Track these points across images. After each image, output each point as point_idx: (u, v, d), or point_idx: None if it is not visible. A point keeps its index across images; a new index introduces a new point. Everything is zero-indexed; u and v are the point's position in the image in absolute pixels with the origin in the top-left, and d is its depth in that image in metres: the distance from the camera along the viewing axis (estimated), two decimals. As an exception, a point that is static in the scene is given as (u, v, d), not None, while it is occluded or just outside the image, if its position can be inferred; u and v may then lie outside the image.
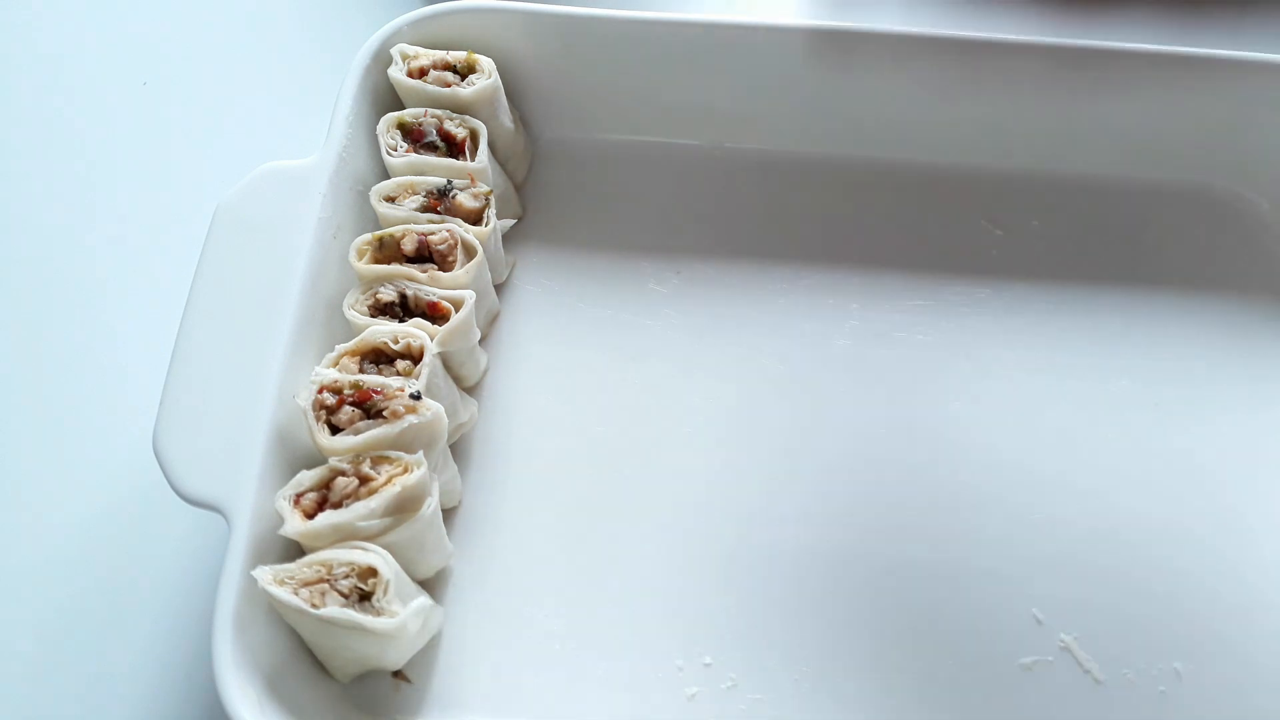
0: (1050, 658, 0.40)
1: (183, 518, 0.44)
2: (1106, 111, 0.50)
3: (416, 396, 0.38)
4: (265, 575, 0.35)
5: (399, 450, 0.37)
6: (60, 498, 0.45)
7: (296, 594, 0.34)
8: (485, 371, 0.46)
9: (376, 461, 0.37)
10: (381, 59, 0.47)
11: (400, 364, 0.39)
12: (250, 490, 0.36)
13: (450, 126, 0.45)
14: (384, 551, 0.36)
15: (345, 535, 0.36)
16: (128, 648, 0.42)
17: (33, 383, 0.49)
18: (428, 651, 0.40)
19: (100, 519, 0.45)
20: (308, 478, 0.37)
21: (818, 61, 0.49)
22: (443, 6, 0.48)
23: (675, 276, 0.49)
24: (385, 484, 0.36)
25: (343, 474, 0.37)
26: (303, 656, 0.38)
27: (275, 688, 0.35)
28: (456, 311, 0.41)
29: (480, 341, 0.45)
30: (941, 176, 0.52)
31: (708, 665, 0.40)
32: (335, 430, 0.38)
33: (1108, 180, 0.52)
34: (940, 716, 0.39)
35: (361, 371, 0.39)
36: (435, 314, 0.41)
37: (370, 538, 0.36)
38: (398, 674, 0.39)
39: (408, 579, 0.37)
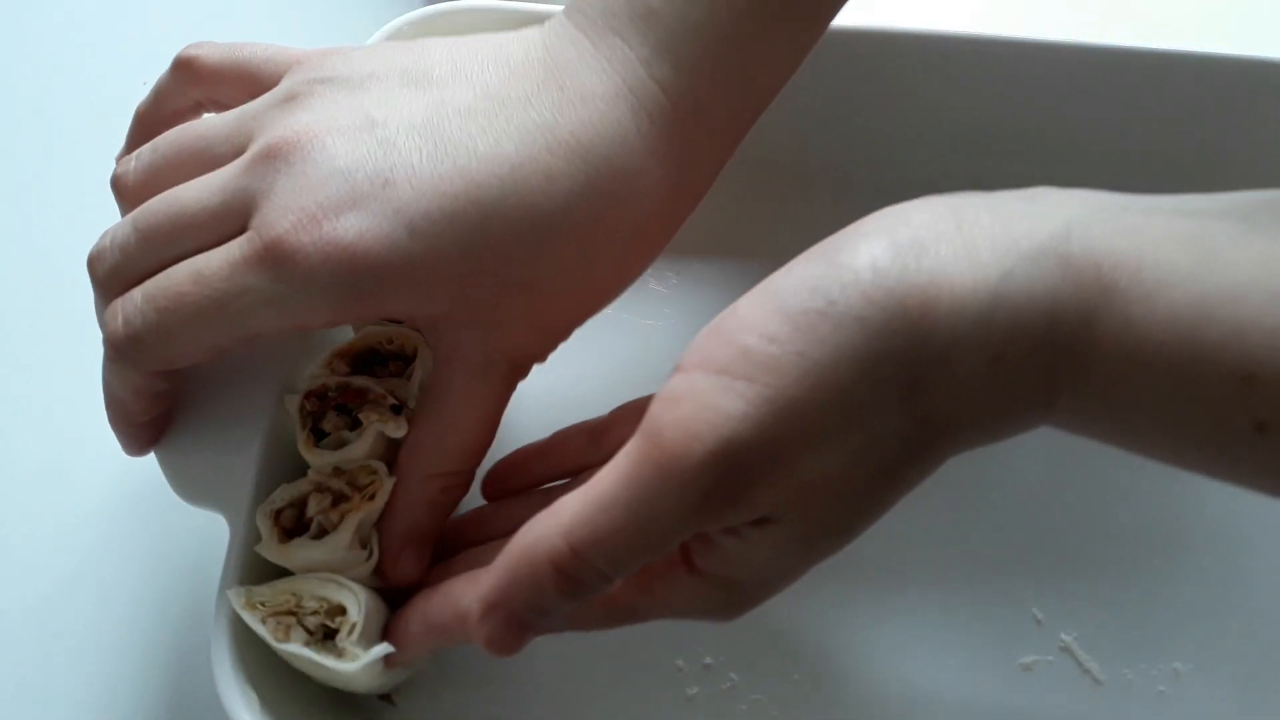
0: (1050, 658, 0.40)
1: (183, 518, 0.43)
2: (1104, 114, 0.50)
3: (397, 410, 0.37)
4: (239, 598, 0.34)
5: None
6: (59, 498, 0.46)
7: (264, 622, 0.34)
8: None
9: (354, 474, 0.36)
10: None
11: (393, 364, 0.39)
12: (250, 491, 0.36)
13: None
14: (358, 589, 0.35)
15: (321, 568, 0.35)
16: (127, 648, 0.42)
17: (32, 383, 0.49)
18: (415, 690, 0.39)
19: (100, 519, 0.45)
20: (283, 495, 0.36)
21: (820, 62, 0.49)
22: (443, 6, 0.48)
23: (675, 277, 0.49)
24: (354, 510, 0.35)
25: (317, 489, 0.36)
26: (303, 657, 0.38)
27: (275, 688, 0.35)
28: None
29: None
30: (943, 182, 0.51)
31: (708, 665, 0.40)
32: (322, 434, 0.37)
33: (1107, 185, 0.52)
34: (940, 716, 0.39)
35: (353, 372, 0.38)
36: None
37: (347, 570, 0.35)
38: (384, 696, 0.39)
39: (382, 618, 0.36)
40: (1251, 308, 0.24)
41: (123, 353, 0.34)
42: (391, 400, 0.37)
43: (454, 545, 0.38)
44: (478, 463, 0.38)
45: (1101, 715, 0.39)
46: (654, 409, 0.29)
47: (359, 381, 0.37)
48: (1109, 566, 0.42)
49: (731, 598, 0.32)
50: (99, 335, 0.50)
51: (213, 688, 0.33)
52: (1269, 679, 0.40)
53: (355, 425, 0.37)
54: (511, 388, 0.37)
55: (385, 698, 0.39)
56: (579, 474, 0.37)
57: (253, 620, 0.34)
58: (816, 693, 0.40)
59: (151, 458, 0.37)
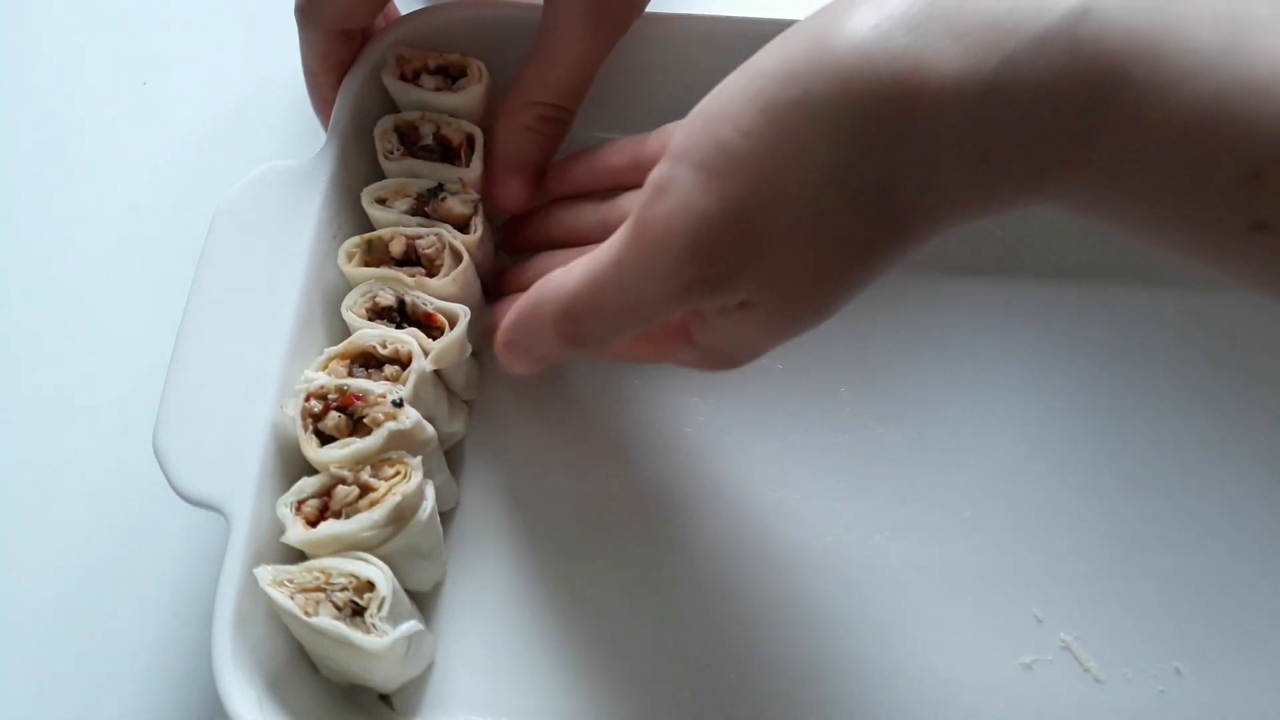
0: (1050, 657, 0.40)
1: (183, 518, 0.44)
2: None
3: (398, 404, 0.37)
4: (265, 575, 0.35)
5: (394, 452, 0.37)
6: (60, 498, 0.46)
7: (293, 599, 0.34)
8: (481, 380, 0.46)
9: (377, 465, 0.37)
10: (383, 59, 0.47)
11: (389, 369, 0.39)
12: (250, 490, 0.36)
13: (447, 130, 0.44)
14: (385, 567, 0.35)
15: (347, 545, 0.36)
16: (128, 648, 0.42)
17: (33, 383, 0.49)
18: (418, 681, 0.40)
19: (100, 519, 0.45)
20: (309, 485, 0.37)
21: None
22: (442, 5, 0.48)
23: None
24: (386, 494, 0.36)
25: (343, 482, 0.36)
26: (303, 657, 0.38)
27: (275, 687, 0.35)
28: (451, 328, 0.40)
29: (476, 350, 0.44)
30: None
31: (707, 666, 0.40)
32: (324, 437, 0.37)
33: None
34: (940, 715, 0.39)
35: (350, 375, 0.39)
36: (431, 325, 0.40)
37: (372, 548, 0.36)
38: (385, 698, 0.39)
39: (405, 599, 0.37)
40: (1271, 104, 0.23)
41: (306, 14, 0.41)
42: (392, 397, 0.37)
43: (533, 241, 0.44)
44: (574, 103, 0.42)
45: (1101, 715, 0.39)
46: (644, 195, 0.30)
47: (357, 384, 0.38)
48: (1109, 566, 0.42)
49: (725, 360, 0.34)
50: (98, 336, 0.50)
51: (213, 687, 0.33)
52: (1269, 679, 0.40)
53: (356, 426, 0.37)
54: (609, 37, 0.41)
55: (385, 699, 0.39)
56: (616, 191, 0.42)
57: (281, 597, 0.34)
58: (816, 693, 0.40)
59: (151, 458, 0.37)
